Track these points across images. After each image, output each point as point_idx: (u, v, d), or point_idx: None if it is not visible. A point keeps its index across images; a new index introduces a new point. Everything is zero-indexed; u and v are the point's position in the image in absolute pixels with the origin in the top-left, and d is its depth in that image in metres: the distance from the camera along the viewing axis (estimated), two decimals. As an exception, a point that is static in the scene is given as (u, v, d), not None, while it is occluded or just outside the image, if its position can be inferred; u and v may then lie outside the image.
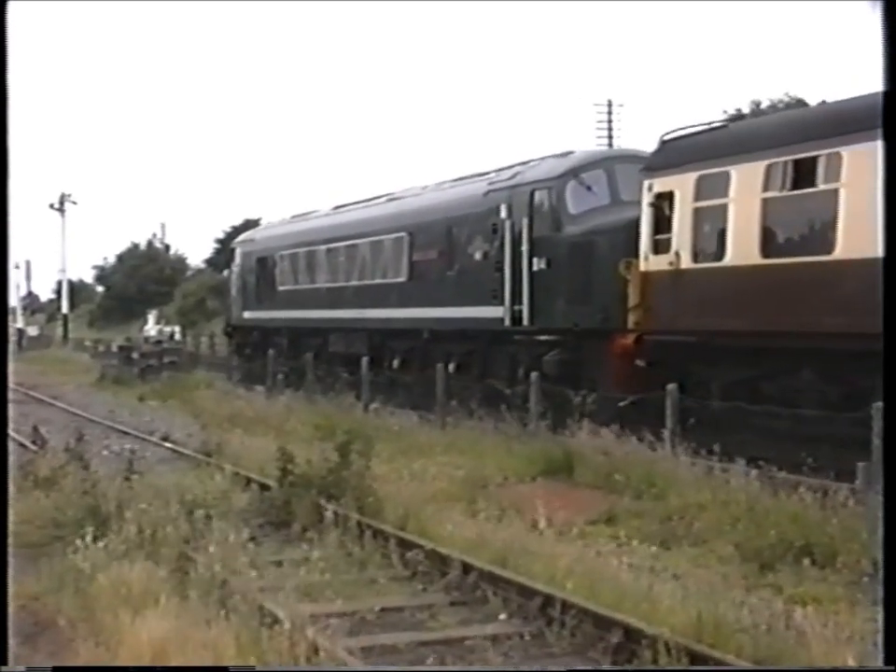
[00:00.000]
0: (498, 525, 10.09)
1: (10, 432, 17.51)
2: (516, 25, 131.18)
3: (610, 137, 53.72)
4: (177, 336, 47.60)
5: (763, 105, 44.52)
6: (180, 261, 77.96)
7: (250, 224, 48.21)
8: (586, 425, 13.51)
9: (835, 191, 12.45)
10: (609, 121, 54.99)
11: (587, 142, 53.70)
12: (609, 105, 55.24)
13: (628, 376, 15.20)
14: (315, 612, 7.18)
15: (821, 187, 12.72)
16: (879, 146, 11.90)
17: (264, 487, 11.52)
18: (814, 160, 12.79)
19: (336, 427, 13.89)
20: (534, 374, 15.90)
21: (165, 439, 17.24)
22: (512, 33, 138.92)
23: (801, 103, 39.86)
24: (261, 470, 12.40)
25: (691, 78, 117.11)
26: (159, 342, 38.26)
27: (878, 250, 11.90)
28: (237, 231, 48.83)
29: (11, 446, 16.09)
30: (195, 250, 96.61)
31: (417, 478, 12.90)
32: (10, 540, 5.22)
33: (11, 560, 5.60)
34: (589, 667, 6.53)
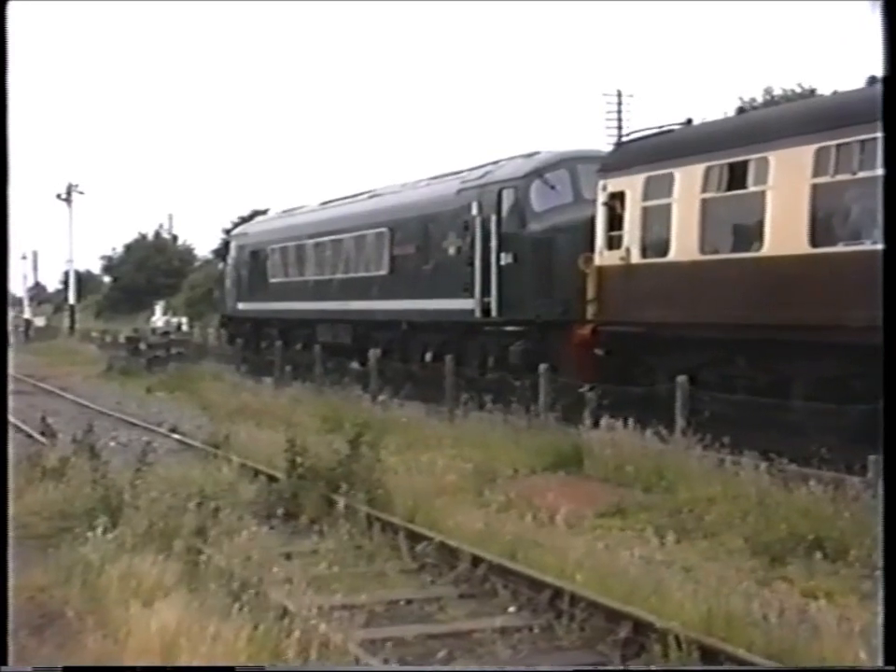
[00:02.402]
0: (508, 518, 10.06)
1: (18, 423, 17.62)
2: (526, 14, 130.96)
3: (620, 128, 53.48)
4: (185, 327, 47.69)
5: (776, 95, 44.34)
6: (188, 252, 78.03)
7: (258, 215, 48.16)
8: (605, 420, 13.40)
9: (763, 193, 13.36)
10: (619, 112, 54.75)
11: (596, 133, 53.62)
12: (619, 95, 55.00)
13: (588, 365, 16.01)
14: (324, 604, 7.15)
15: (751, 189, 13.61)
16: (802, 151, 12.54)
17: (272, 479, 11.50)
18: (745, 163, 13.71)
19: (344, 420, 13.86)
20: (542, 366, 15.91)
21: (173, 430, 17.23)
22: (521, 22, 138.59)
23: (813, 93, 39.70)
24: (269, 462, 12.38)
25: (701, 68, 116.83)
26: (166, 333, 38.30)
27: (800, 248, 12.57)
28: (244, 222, 48.78)
29: (20, 437, 16.16)
30: (202, 241, 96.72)
31: (426, 470, 12.84)
32: (10, 541, 5.19)
33: (11, 561, 5.58)
34: (594, 664, 6.48)
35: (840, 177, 12.26)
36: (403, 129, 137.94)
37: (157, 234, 78.95)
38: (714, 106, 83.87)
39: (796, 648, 6.12)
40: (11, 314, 71.83)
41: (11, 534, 5.27)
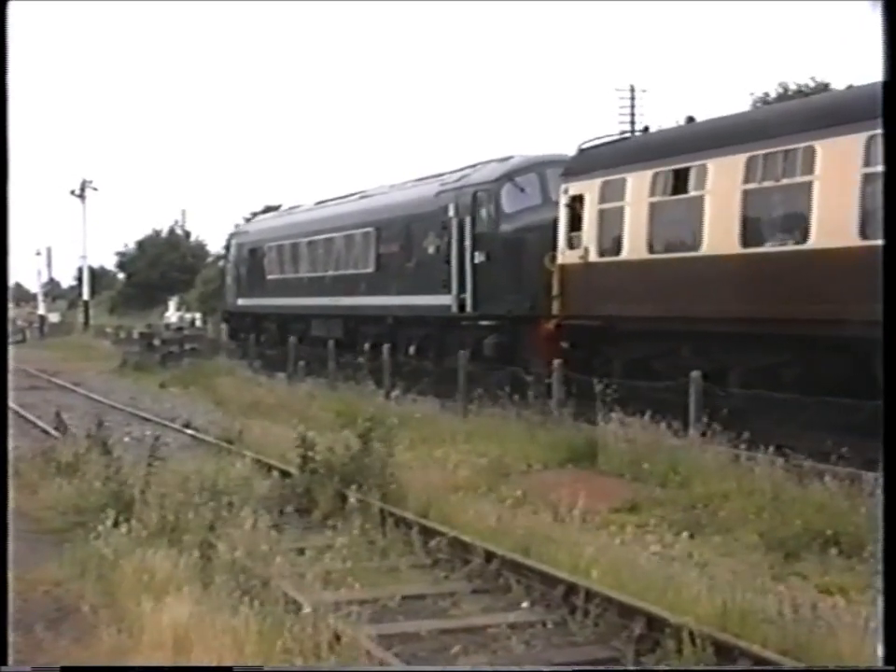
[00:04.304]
0: (521, 513, 10.04)
1: (33, 418, 17.67)
2: (539, 11, 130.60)
3: (633, 123, 53.33)
4: (198, 323, 47.81)
5: (790, 90, 44.09)
6: (201, 248, 78.10)
7: (270, 210, 48.20)
8: (616, 414, 13.39)
9: (702, 197, 14.56)
10: (632, 107, 54.62)
11: (609, 129, 53.43)
12: (632, 90, 54.88)
13: (555, 357, 16.71)
14: (338, 599, 7.15)
15: (692, 193, 14.82)
16: (735, 159, 13.84)
17: (286, 474, 11.49)
18: (687, 170, 14.95)
19: (358, 415, 13.84)
20: (557, 361, 15.93)
21: (187, 426, 17.24)
22: (534, 18, 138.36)
23: (826, 87, 39.47)
24: (282, 457, 12.37)
25: (716, 63, 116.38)
26: (180, 328, 38.46)
27: (732, 248, 13.83)
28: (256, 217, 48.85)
29: (35, 432, 16.22)
30: (215, 237, 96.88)
31: (440, 465, 12.84)
32: (10, 544, 5.19)
33: (20, 558, 5.57)
34: (607, 660, 6.45)
35: (766, 184, 13.53)
36: (417, 123, 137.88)
37: (170, 230, 79.06)
38: (727, 101, 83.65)
39: (811, 644, 6.08)
40: (26, 309, 72.06)
41: (11, 535, 5.26)
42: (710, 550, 9.08)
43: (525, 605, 7.40)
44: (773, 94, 44.77)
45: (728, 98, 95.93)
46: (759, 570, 8.34)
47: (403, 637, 6.78)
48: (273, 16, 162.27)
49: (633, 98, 54.70)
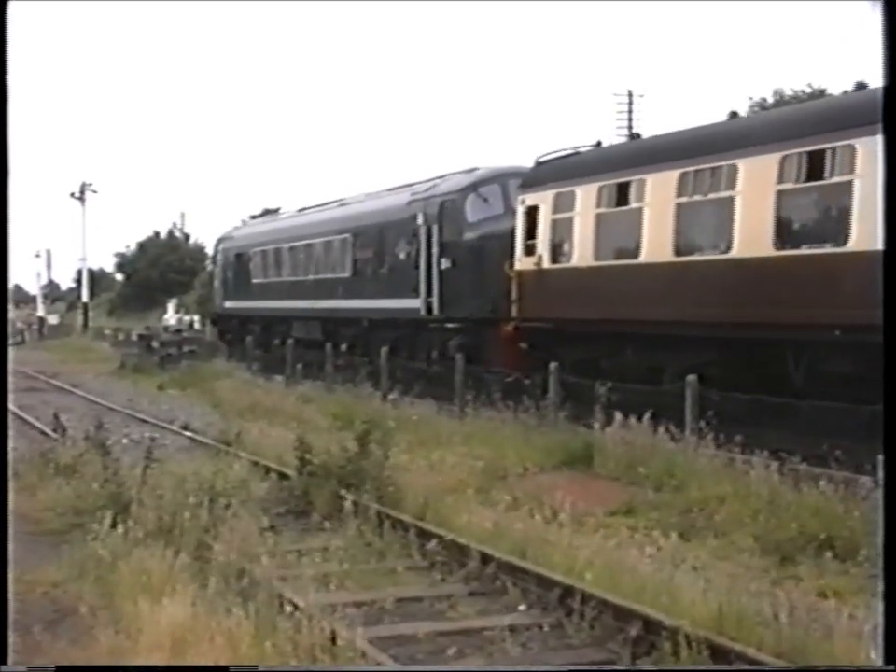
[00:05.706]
0: (517, 516, 10.05)
1: (32, 419, 17.68)
2: (537, 13, 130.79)
3: (630, 128, 53.39)
4: (197, 325, 47.77)
5: (786, 96, 44.16)
6: (199, 251, 78.07)
7: (269, 213, 48.19)
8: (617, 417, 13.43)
9: (641, 209, 15.65)
10: (630, 112, 54.69)
11: (605, 133, 53.51)
12: (630, 95, 54.96)
13: (514, 357, 18.32)
14: (334, 601, 7.18)
15: (633, 205, 15.91)
16: (669, 175, 15.00)
17: (283, 476, 11.52)
18: (628, 184, 16.06)
19: (355, 417, 13.87)
20: (552, 365, 15.97)
21: (185, 428, 17.27)
22: (533, 20, 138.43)
23: (822, 93, 39.55)
24: (280, 459, 12.41)
25: (714, 68, 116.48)
26: (178, 331, 38.41)
27: (666, 256, 14.92)
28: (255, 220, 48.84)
29: (33, 433, 16.24)
30: (214, 239, 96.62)
31: (436, 468, 12.87)
32: (10, 545, 5.21)
33: (20, 559, 5.59)
34: (603, 662, 6.48)
35: (696, 198, 14.65)
36: (415, 127, 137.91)
37: (170, 233, 79.06)
38: (725, 106, 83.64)
39: (807, 647, 6.11)
40: (25, 311, 71.96)
41: (11, 535, 5.28)
42: (706, 553, 9.10)
43: (521, 607, 7.42)
44: (770, 100, 44.88)
45: (726, 103, 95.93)
46: (755, 573, 8.37)
47: (400, 640, 6.80)
48: (273, 20, 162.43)
49: (630, 103, 54.81)
